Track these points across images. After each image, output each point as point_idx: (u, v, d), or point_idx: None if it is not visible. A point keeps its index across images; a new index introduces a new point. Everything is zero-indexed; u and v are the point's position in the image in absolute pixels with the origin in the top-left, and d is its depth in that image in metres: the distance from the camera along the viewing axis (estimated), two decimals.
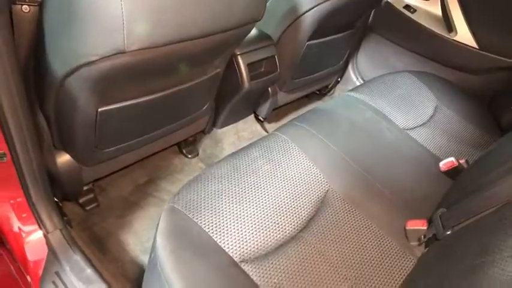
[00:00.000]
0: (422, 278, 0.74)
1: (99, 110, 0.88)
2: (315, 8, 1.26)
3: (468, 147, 1.26)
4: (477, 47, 1.51)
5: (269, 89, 1.50)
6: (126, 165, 1.24)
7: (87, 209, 1.22)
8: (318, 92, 2.00)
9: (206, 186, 0.87)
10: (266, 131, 1.68)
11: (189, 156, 1.49)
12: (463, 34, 1.53)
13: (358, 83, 1.98)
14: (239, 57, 1.25)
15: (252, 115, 1.65)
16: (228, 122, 1.54)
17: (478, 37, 1.50)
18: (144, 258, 1.14)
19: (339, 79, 2.01)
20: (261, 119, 1.67)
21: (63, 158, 1.01)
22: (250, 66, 1.28)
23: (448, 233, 0.79)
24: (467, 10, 1.49)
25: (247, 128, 1.63)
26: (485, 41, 1.49)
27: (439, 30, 1.59)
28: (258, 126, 1.67)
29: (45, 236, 0.95)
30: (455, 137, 1.29)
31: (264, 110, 1.59)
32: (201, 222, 0.78)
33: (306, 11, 1.26)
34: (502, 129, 1.40)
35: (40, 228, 0.94)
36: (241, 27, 0.89)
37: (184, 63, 0.90)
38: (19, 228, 0.93)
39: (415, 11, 1.65)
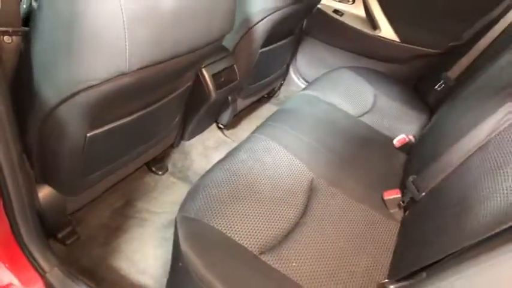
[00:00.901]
0: (410, 235, 0.88)
1: (88, 135, 0.87)
2: (266, 18, 1.37)
3: (408, 125, 1.47)
4: (399, 41, 1.77)
5: (229, 97, 1.57)
6: (106, 189, 1.21)
7: (67, 244, 1.16)
8: (266, 96, 2.12)
9: (209, 192, 0.91)
10: (227, 137, 1.74)
11: (159, 173, 1.50)
12: (386, 30, 1.78)
13: (300, 84, 2.15)
14: (203, 70, 1.30)
15: (214, 124, 1.71)
16: (194, 133, 1.57)
17: (399, 32, 1.75)
18: (142, 278, 1.13)
19: (283, 82, 2.16)
20: (221, 126, 1.74)
21: (46, 191, 0.97)
22: (214, 77, 1.34)
23: (423, 194, 0.94)
24: (388, 10, 1.74)
25: (211, 137, 1.68)
26: (405, 35, 1.75)
27: (365, 29, 1.82)
28: (220, 134, 1.72)
29: (42, 277, 0.90)
30: (396, 119, 1.49)
31: (225, 117, 1.65)
32: (215, 225, 0.83)
33: (258, 22, 1.37)
34: (430, 106, 1.65)
35: (36, 270, 0.90)
36: (218, 40, 0.96)
37: (170, 78, 0.94)
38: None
39: (342, 14, 1.86)
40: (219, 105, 1.56)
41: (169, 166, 1.54)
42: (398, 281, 0.68)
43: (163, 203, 1.40)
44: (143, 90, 0.88)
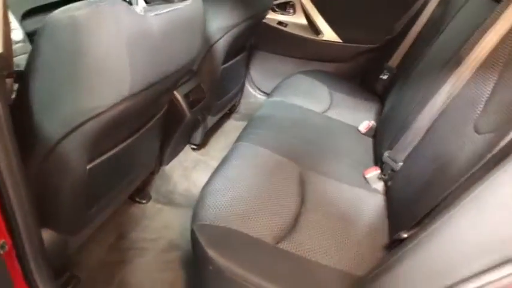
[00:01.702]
0: (399, 199, 0.99)
1: (89, 167, 0.88)
2: (224, 37, 1.46)
3: (364, 113, 1.63)
4: (341, 41, 1.95)
5: (199, 117, 1.62)
6: (99, 226, 1.20)
7: None
8: (228, 112, 2.20)
9: (215, 200, 0.96)
10: (202, 156, 1.79)
11: (144, 201, 1.50)
12: (329, 34, 1.96)
13: (257, 95, 2.26)
14: (175, 92, 1.35)
15: (188, 145, 1.74)
16: (172, 157, 1.60)
17: (340, 34, 1.94)
18: None
19: (241, 96, 2.25)
20: (194, 147, 1.78)
21: (46, 235, 0.95)
22: (185, 97, 1.39)
23: (401, 163, 1.06)
24: (327, 16, 1.93)
25: (188, 158, 1.71)
26: (345, 35, 1.94)
27: (309, 35, 1.99)
28: (195, 154, 1.76)
29: None
30: (354, 109, 1.65)
31: (197, 136, 1.70)
32: (232, 226, 0.88)
33: (217, 40, 1.45)
34: (379, 94, 1.83)
35: None
36: (196, 57, 1.03)
37: (158, 98, 0.99)
38: None
39: (286, 25, 2.01)
40: (191, 125, 1.61)
41: (153, 193, 1.54)
42: (408, 230, 0.78)
43: (155, 229, 1.40)
44: (137, 113, 0.92)
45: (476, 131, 0.77)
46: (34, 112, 0.75)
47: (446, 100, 0.95)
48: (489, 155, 0.65)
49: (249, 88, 2.26)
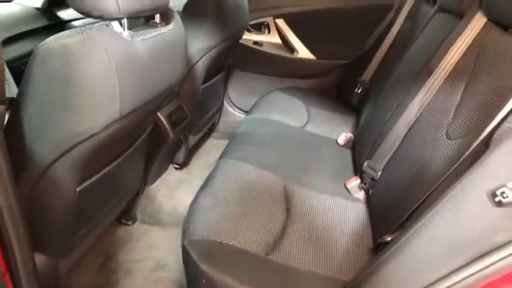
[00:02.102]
0: (380, 205, 1.04)
1: (78, 189, 0.89)
2: (204, 57, 1.50)
3: (341, 126, 1.69)
4: (315, 58, 2.04)
5: (181, 137, 1.64)
6: (90, 245, 1.19)
7: None
8: (208, 131, 2.22)
9: (204, 216, 0.98)
10: (185, 175, 1.80)
11: (129, 223, 1.49)
12: (303, 52, 2.04)
13: (236, 114, 2.30)
14: (158, 113, 1.37)
15: (171, 165, 1.75)
16: (156, 177, 1.60)
17: (314, 51, 2.02)
18: None
19: (220, 115, 2.29)
20: (177, 166, 1.79)
21: (38, 259, 0.94)
22: (168, 117, 1.42)
23: (380, 172, 1.12)
24: (300, 35, 2.01)
25: (171, 178, 1.72)
26: (319, 53, 2.03)
27: (284, 53, 2.06)
28: (178, 173, 1.77)
29: None
30: (331, 123, 1.71)
31: (180, 156, 1.71)
32: (222, 240, 0.90)
33: (197, 61, 1.49)
34: (354, 107, 1.91)
35: None
36: (180, 78, 1.07)
37: (145, 119, 1.01)
38: None
39: (262, 44, 2.08)
40: (174, 145, 1.62)
41: (138, 214, 1.53)
42: (391, 234, 0.82)
43: (142, 250, 1.39)
44: (125, 135, 0.94)
45: (448, 137, 0.84)
46: (26, 137, 0.76)
47: (419, 109, 1.01)
48: (461, 159, 0.71)
49: (227, 107, 2.30)
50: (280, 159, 1.31)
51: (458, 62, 0.92)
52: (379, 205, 1.06)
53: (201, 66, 1.53)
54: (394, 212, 0.88)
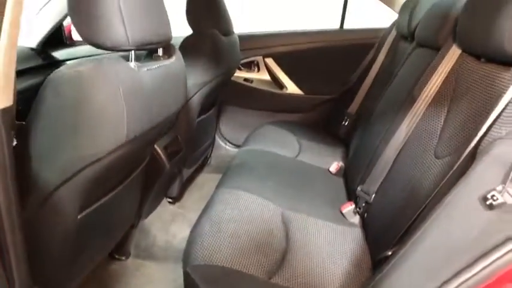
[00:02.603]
0: (377, 226, 1.07)
1: (79, 216, 0.90)
2: (199, 91, 1.57)
3: (332, 156, 1.75)
4: (303, 94, 2.13)
5: (176, 169, 1.66)
6: (82, 282, 1.16)
7: None
8: (200, 163, 2.25)
9: (204, 242, 0.99)
10: (179, 209, 1.80)
11: (123, 258, 1.46)
12: (291, 88, 2.14)
13: (228, 148, 2.34)
14: (155, 144, 1.40)
15: (165, 199, 1.75)
16: (150, 210, 1.60)
17: (302, 87, 2.13)
18: None
19: (212, 149, 2.33)
20: (171, 200, 1.79)
21: None
22: (164, 149, 1.44)
23: (373, 195, 1.16)
24: (289, 72, 2.12)
25: (165, 211, 1.71)
26: (306, 88, 2.13)
27: (274, 89, 2.16)
28: (172, 207, 1.77)
29: None
30: (321, 154, 1.77)
31: (174, 189, 1.72)
32: (225, 264, 0.91)
33: (193, 95, 1.55)
34: (342, 139, 1.98)
35: None
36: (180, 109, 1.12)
37: (147, 146, 1.04)
38: None
39: (252, 81, 2.18)
40: (168, 177, 1.64)
41: (132, 249, 1.51)
42: (390, 248, 0.85)
43: (137, 285, 1.36)
44: (128, 162, 0.96)
45: (436, 156, 0.89)
46: (33, 161, 0.78)
47: (407, 134, 1.08)
48: (450, 173, 0.76)
49: (219, 141, 2.34)
50: (275, 187, 1.34)
51: (439, 89, 1.00)
52: (375, 226, 1.09)
53: (196, 100, 1.59)
54: (392, 229, 0.91)
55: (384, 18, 2.05)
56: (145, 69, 0.88)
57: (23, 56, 1.69)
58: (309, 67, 2.13)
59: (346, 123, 1.97)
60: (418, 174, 0.94)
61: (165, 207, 1.74)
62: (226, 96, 2.18)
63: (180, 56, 1.10)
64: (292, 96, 2.15)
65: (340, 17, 2.10)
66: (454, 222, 0.62)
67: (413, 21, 1.44)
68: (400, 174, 1.06)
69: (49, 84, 0.74)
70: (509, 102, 0.62)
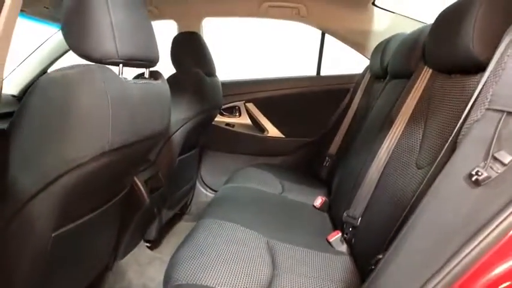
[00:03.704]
0: (366, 246, 1.04)
1: (53, 234, 0.84)
2: (181, 128, 1.58)
3: (316, 194, 1.74)
4: (284, 136, 2.18)
5: (155, 209, 1.60)
6: None
7: None
8: (179, 212, 2.18)
9: (189, 264, 0.94)
10: (156, 253, 1.70)
11: None
12: (272, 131, 2.19)
13: (208, 194, 2.30)
14: (135, 177, 1.37)
15: (142, 241, 1.66)
16: (127, 251, 1.50)
17: (282, 130, 2.18)
18: None
19: (192, 196, 2.28)
20: (148, 244, 1.70)
21: None
22: (144, 183, 1.41)
23: (360, 219, 1.15)
24: (269, 116, 2.19)
25: (142, 254, 1.61)
26: (287, 131, 2.19)
27: (255, 133, 2.20)
28: (149, 251, 1.67)
29: None
30: (305, 192, 1.76)
31: (152, 231, 1.64)
32: (208, 284, 0.85)
33: (175, 131, 1.56)
34: (323, 178, 2.00)
35: None
36: (165, 129, 1.12)
37: (129, 166, 1.01)
38: None
39: (234, 125, 2.22)
40: (147, 216, 1.57)
41: None
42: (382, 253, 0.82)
43: None
44: (106, 180, 0.93)
45: (418, 167, 0.91)
46: (12, 167, 0.75)
47: (388, 154, 1.10)
48: (426, 179, 0.78)
49: (200, 187, 2.31)
50: (260, 218, 1.30)
51: (415, 107, 1.05)
52: (363, 246, 1.06)
53: (178, 137, 1.59)
54: (379, 239, 0.89)
55: (355, 64, 2.20)
56: (133, 82, 0.90)
57: (4, 102, 1.69)
58: (289, 111, 2.21)
59: (327, 164, 1.99)
60: (402, 186, 0.94)
61: (142, 250, 1.64)
62: (207, 141, 2.20)
63: (166, 81, 1.13)
64: (273, 139, 2.19)
65: (317, 65, 2.23)
66: (444, 205, 0.62)
67: (385, 60, 1.55)
68: (384, 191, 1.06)
69: (36, 88, 0.74)
70: (481, 90, 0.66)
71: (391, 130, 1.11)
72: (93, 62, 0.83)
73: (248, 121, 2.24)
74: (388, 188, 1.03)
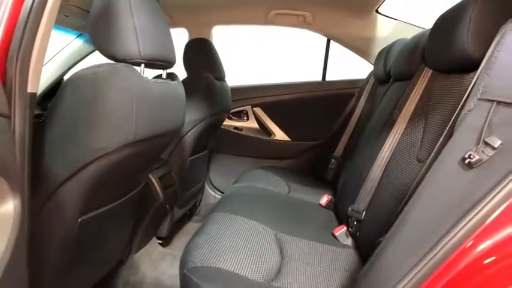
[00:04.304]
0: (370, 238, 1.10)
1: (80, 219, 0.91)
2: (193, 129, 1.65)
3: (320, 194, 1.79)
4: (290, 140, 2.25)
5: (167, 206, 1.67)
6: None
7: None
8: (188, 213, 2.24)
9: (203, 250, 1.00)
10: (168, 249, 1.76)
11: None
12: (279, 134, 2.25)
13: (217, 196, 2.36)
14: (150, 175, 1.44)
15: (153, 238, 1.72)
16: (140, 246, 1.56)
17: (289, 134, 2.25)
18: None
19: (201, 198, 2.34)
20: (160, 241, 1.76)
21: None
22: (159, 179, 1.48)
23: (364, 212, 1.20)
24: (276, 120, 2.26)
25: (154, 250, 1.67)
26: (293, 135, 2.25)
27: (263, 136, 2.27)
28: (161, 248, 1.73)
29: None
30: (309, 192, 1.82)
31: (164, 228, 1.70)
32: (223, 266, 0.91)
33: (187, 132, 1.63)
34: (329, 182, 2.05)
35: None
36: (180, 128, 1.19)
37: (148, 160, 1.09)
38: None
39: (242, 129, 2.29)
40: (160, 213, 1.64)
41: (120, 286, 1.45)
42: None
43: None
44: (128, 172, 1.00)
45: (419, 161, 0.97)
46: (44, 156, 0.82)
47: (391, 151, 1.16)
48: (424, 167, 0.84)
49: (208, 189, 2.37)
50: (268, 214, 1.36)
51: (416, 106, 1.12)
52: (368, 238, 1.11)
53: (189, 138, 1.67)
54: (383, 228, 0.94)
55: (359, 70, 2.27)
56: (153, 81, 0.97)
57: None
58: (295, 115, 2.28)
59: (333, 166, 2.05)
60: (404, 179, 1.00)
61: (154, 247, 1.70)
62: (216, 144, 2.28)
63: (181, 83, 1.20)
64: (280, 142, 2.26)
65: (322, 70, 2.31)
66: (440, 187, 0.68)
67: (388, 64, 1.62)
68: (387, 185, 1.12)
69: (68, 83, 0.82)
70: (474, 83, 0.72)
71: (393, 128, 1.17)
72: (118, 62, 0.91)
73: (255, 125, 2.32)
74: (390, 183, 1.09)
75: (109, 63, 0.86)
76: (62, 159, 0.82)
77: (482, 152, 0.63)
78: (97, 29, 0.91)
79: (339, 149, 2.05)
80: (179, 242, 1.92)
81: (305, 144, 2.27)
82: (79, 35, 2.13)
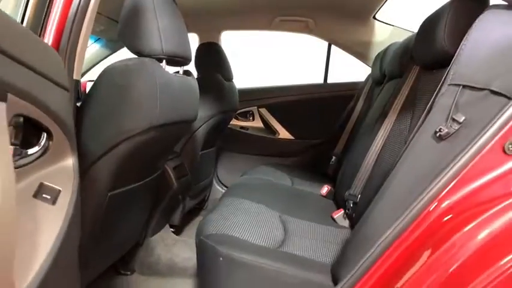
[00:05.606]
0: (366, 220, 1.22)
1: (109, 194, 1.05)
2: (204, 124, 1.80)
3: (320, 187, 1.92)
4: (294, 138, 2.38)
5: (180, 195, 1.80)
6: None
7: None
8: (198, 206, 2.37)
9: (217, 224, 1.13)
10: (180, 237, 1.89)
11: (128, 273, 1.53)
12: (283, 133, 2.39)
13: (224, 191, 2.49)
14: (165, 165, 1.58)
15: (167, 225, 1.86)
16: (155, 230, 1.70)
17: (292, 132, 2.39)
18: None
19: (209, 193, 2.48)
20: (173, 230, 1.89)
21: None
22: (173, 169, 1.62)
23: (360, 195, 1.33)
24: (280, 119, 2.40)
25: (168, 236, 1.80)
26: (296, 133, 2.39)
27: (268, 135, 2.41)
28: (173, 235, 1.87)
29: None
30: (311, 186, 1.95)
31: (177, 217, 1.84)
32: (236, 235, 1.05)
33: (199, 127, 1.78)
34: (329, 176, 2.18)
35: None
36: (195, 118, 1.33)
37: (168, 145, 1.23)
38: None
39: (248, 128, 2.44)
40: (174, 201, 1.77)
41: (136, 267, 1.58)
42: None
43: None
44: (151, 154, 1.14)
45: (406, 144, 1.11)
46: (82, 136, 0.96)
47: (383, 140, 1.30)
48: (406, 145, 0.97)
49: (216, 185, 2.51)
50: (273, 200, 1.49)
51: (405, 100, 1.25)
52: (363, 222, 1.24)
53: (200, 133, 1.81)
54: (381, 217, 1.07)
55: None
56: (173, 74, 1.12)
57: None
58: (299, 115, 2.43)
59: (333, 162, 2.18)
60: (393, 161, 1.13)
61: (167, 234, 1.83)
62: (224, 142, 2.42)
63: (195, 79, 1.35)
64: (284, 140, 2.40)
65: (324, 73, 2.46)
66: (417, 157, 0.81)
67: (384, 66, 1.76)
68: (379, 169, 1.25)
69: (104, 74, 0.97)
70: (447, 73, 0.85)
71: (385, 120, 1.31)
72: (144, 57, 1.06)
73: (261, 125, 2.46)
74: (382, 167, 1.22)
75: (137, 58, 1.01)
76: (96, 139, 0.96)
77: (450, 126, 0.76)
78: (126, 29, 1.06)
79: (339, 147, 2.18)
80: (190, 232, 2.05)
81: (308, 142, 2.41)
82: (97, 40, 2.30)
